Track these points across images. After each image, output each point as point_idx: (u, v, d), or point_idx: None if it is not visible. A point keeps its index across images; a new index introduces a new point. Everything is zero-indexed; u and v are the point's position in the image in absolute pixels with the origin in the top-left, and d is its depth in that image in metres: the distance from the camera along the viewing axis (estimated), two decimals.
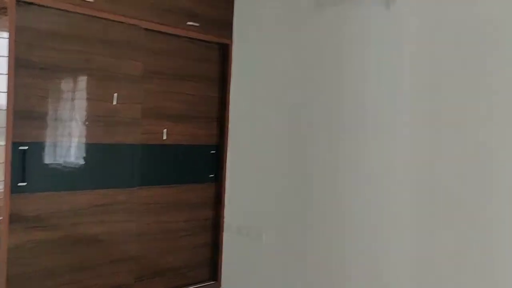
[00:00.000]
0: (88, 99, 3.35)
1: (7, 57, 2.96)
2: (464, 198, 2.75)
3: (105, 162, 3.47)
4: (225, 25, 4.13)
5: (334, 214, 3.40)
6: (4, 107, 2.98)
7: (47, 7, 3.11)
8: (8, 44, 2.96)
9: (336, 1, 3.42)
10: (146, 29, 3.62)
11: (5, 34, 2.98)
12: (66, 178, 3.27)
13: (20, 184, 3.06)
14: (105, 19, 3.39)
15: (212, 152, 4.17)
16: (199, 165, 4.09)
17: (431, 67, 2.89)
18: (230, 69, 4.19)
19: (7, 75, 2.97)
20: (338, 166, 3.39)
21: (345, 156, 3.35)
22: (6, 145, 2.97)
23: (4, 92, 2.96)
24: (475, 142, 2.71)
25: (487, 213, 2.67)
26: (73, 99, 3.28)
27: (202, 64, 4.05)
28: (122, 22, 3.48)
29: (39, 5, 3.08)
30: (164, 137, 3.81)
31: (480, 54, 2.69)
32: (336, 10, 3.43)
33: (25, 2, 3.02)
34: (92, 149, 3.38)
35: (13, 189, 3.02)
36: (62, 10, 3.18)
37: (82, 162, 3.34)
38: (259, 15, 4.00)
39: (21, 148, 3.05)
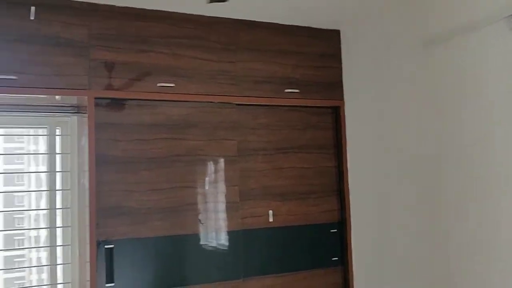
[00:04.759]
0: (177, 187, 3.14)
1: (88, 155, 2.93)
2: None
3: (202, 254, 3.17)
4: (332, 86, 3.65)
5: None
6: (87, 205, 2.93)
7: (126, 99, 3.06)
8: (88, 142, 2.94)
9: (444, 35, 2.71)
10: (239, 105, 3.34)
11: (86, 133, 2.98)
12: (158, 276, 3.05)
13: (108, 285, 2.92)
14: (189, 101, 3.21)
15: (332, 231, 3.60)
16: (318, 247, 3.55)
17: None
18: (344, 133, 3.64)
19: (88, 173, 2.93)
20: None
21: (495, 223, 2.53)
22: (90, 244, 2.89)
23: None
24: None
25: None
26: (160, 190, 3.10)
27: (310, 132, 3.61)
28: (210, 102, 3.26)
29: (118, 100, 3.04)
30: (270, 219, 3.39)
31: None
32: (447, 46, 2.73)
33: (103, 99, 3.00)
34: (186, 241, 3.13)
35: None
36: (142, 100, 3.09)
37: (176, 256, 3.10)
38: (368, 70, 3.44)
39: (107, 247, 2.94)
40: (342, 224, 3.62)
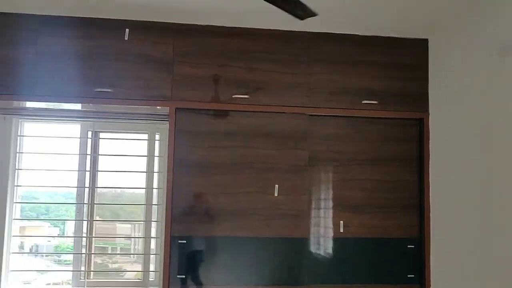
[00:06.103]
0: (246, 192, 3.35)
1: (168, 158, 3.30)
2: None
3: (267, 257, 3.34)
4: (416, 97, 3.54)
5: None
6: (164, 204, 3.30)
7: (204, 109, 3.36)
8: (168, 146, 3.31)
9: None
10: (312, 115, 3.44)
11: (166, 138, 3.35)
12: (223, 273, 3.30)
13: (179, 276, 3.25)
14: (263, 112, 3.40)
15: (409, 246, 3.49)
16: (392, 262, 3.47)
17: None
18: (428, 147, 3.50)
19: (167, 174, 3.29)
20: None
21: None
22: (165, 238, 3.25)
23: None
24: None
25: None
26: (229, 194, 3.34)
27: (390, 144, 3.54)
28: (282, 113, 3.42)
29: (196, 110, 3.35)
30: (341, 230, 3.42)
31: None
32: None
33: (184, 109, 3.34)
34: (252, 243, 3.33)
35: (172, 281, 3.23)
36: (218, 110, 3.37)
37: (241, 256, 3.32)
38: (455, 80, 3.27)
39: (180, 242, 3.27)
40: (421, 241, 3.48)
